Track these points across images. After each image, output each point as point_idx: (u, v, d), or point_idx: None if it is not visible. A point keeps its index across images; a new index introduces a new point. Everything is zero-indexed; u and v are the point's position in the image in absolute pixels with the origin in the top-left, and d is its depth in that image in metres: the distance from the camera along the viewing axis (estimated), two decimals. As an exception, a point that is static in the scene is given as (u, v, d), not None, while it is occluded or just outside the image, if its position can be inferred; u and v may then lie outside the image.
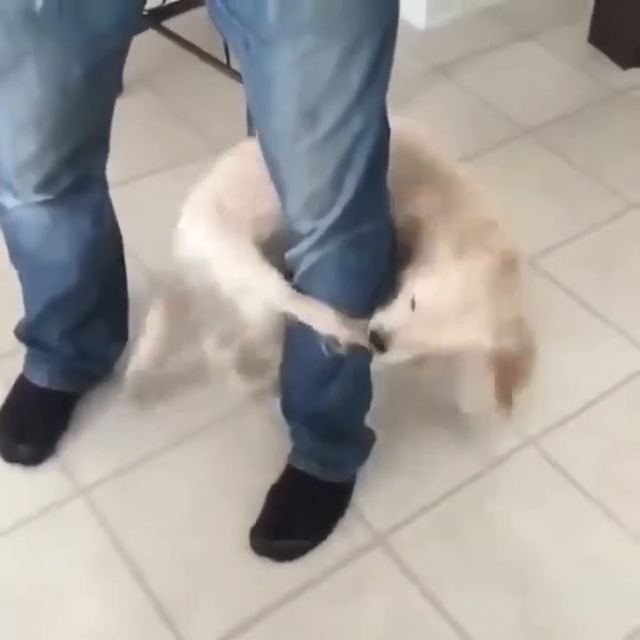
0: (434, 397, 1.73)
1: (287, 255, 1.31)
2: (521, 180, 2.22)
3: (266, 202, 1.32)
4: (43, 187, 1.37)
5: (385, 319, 1.30)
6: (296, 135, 1.15)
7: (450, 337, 1.31)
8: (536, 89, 2.53)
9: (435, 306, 1.29)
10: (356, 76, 1.11)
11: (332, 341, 1.32)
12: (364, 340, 1.31)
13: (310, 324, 1.31)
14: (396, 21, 1.13)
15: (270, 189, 1.27)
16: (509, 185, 2.20)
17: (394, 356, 1.32)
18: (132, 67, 2.04)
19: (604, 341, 1.87)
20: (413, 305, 1.30)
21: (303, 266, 1.29)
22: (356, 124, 1.14)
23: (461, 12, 2.75)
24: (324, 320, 1.30)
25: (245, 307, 1.38)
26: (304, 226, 1.25)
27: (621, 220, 2.13)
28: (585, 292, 1.95)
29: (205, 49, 2.23)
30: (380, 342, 1.30)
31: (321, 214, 1.23)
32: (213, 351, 1.56)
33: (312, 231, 1.25)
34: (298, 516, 1.52)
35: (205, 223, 1.39)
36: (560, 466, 1.63)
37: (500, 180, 2.21)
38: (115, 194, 1.54)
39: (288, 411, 1.55)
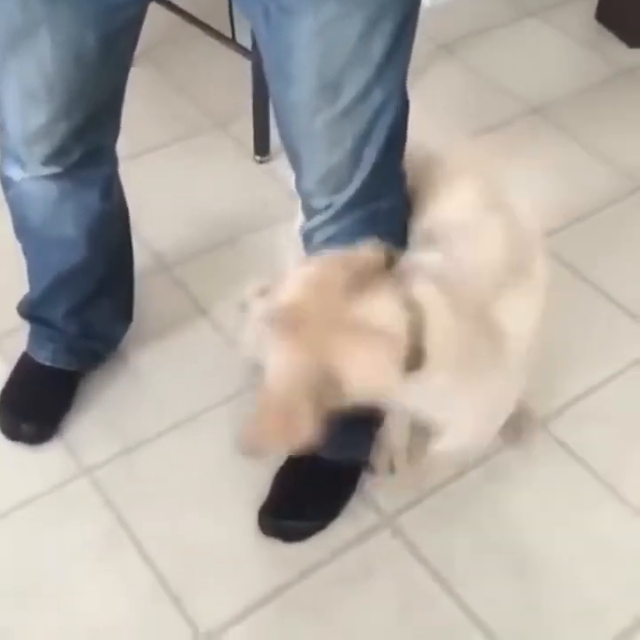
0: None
1: (301, 229, 1.29)
2: (528, 159, 2.20)
3: None
4: (52, 159, 1.34)
5: None
6: (316, 108, 1.13)
7: None
8: (543, 67, 2.51)
9: None
10: (378, 48, 1.09)
11: None
12: None
13: None
14: None
15: None
16: (516, 163, 2.18)
17: None
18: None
19: (611, 322, 1.85)
20: None
21: (317, 239, 1.27)
22: (377, 97, 1.13)
23: (467, -11, 2.72)
24: None
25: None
26: (320, 201, 1.24)
27: (630, 199, 2.11)
28: (593, 273, 1.93)
29: (209, 22, 2.19)
30: None
31: (337, 190, 1.21)
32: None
33: (328, 206, 1.23)
34: (306, 496, 1.50)
35: None
36: (569, 447, 1.62)
37: (508, 159, 2.19)
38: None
39: None
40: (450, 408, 1.24)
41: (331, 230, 1.26)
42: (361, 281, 1.06)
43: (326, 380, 1.03)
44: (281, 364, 1.05)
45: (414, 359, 1.07)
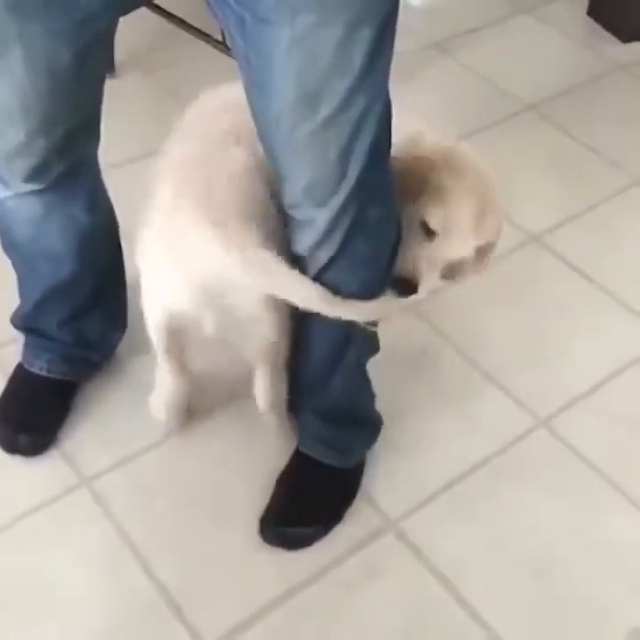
0: (441, 378, 1.71)
1: (298, 250, 1.24)
2: (524, 156, 2.19)
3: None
4: (33, 176, 1.32)
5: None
6: (296, 119, 1.09)
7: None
8: (536, 64, 2.50)
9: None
10: (358, 55, 1.05)
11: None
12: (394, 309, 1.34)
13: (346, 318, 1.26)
14: None
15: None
16: (512, 161, 2.17)
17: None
18: (123, 46, 2.00)
19: (612, 319, 1.84)
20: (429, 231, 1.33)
21: (320, 261, 1.23)
22: (359, 104, 1.09)
23: (457, -13, 2.71)
24: (361, 313, 1.27)
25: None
26: (304, 214, 1.19)
27: (627, 194, 2.10)
28: (592, 270, 1.92)
29: (197, 25, 2.18)
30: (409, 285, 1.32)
31: (323, 201, 1.17)
32: None
33: (313, 219, 1.19)
34: (307, 502, 1.49)
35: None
36: (573, 446, 1.60)
37: (503, 157, 2.18)
38: (107, 177, 1.50)
39: (296, 408, 1.52)
40: None
41: (329, 249, 1.21)
42: None
43: None
44: None
45: None
